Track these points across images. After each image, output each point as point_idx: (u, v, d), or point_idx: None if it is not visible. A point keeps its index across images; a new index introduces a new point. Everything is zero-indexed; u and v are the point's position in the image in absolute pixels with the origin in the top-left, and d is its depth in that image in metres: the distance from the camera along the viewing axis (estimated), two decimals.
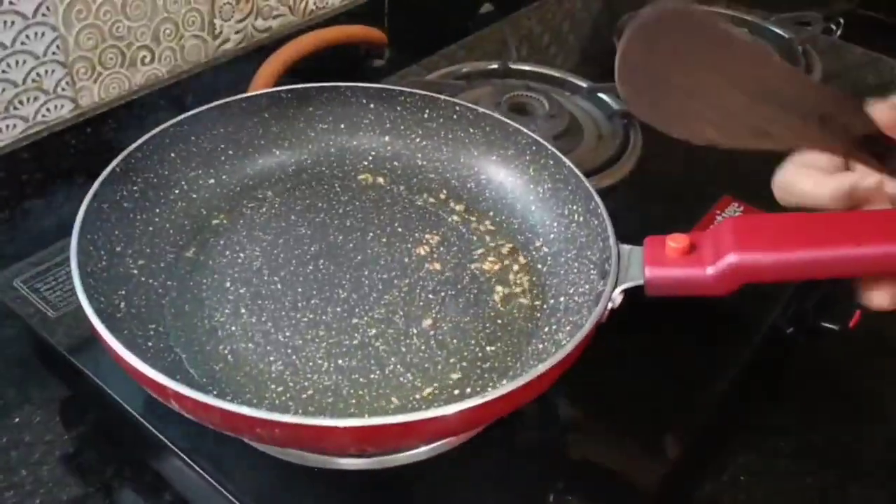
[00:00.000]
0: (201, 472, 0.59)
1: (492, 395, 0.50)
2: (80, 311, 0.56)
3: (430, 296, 0.68)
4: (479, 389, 0.61)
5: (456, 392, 0.61)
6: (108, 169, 0.66)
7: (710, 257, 0.56)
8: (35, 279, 0.72)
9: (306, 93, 0.78)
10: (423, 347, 0.63)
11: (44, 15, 0.76)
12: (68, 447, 0.65)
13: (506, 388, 0.50)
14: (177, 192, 0.71)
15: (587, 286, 0.63)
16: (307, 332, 0.64)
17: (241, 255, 0.70)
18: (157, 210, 0.69)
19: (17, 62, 0.77)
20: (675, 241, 0.58)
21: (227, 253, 0.70)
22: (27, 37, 0.76)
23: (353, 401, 0.60)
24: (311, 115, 0.79)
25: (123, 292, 0.61)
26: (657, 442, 0.64)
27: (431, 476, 0.61)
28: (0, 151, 0.78)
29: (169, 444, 0.60)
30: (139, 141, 0.69)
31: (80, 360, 0.65)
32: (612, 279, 0.58)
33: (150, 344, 0.61)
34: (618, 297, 0.58)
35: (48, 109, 0.80)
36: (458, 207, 0.77)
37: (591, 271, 0.64)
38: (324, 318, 0.65)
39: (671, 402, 0.67)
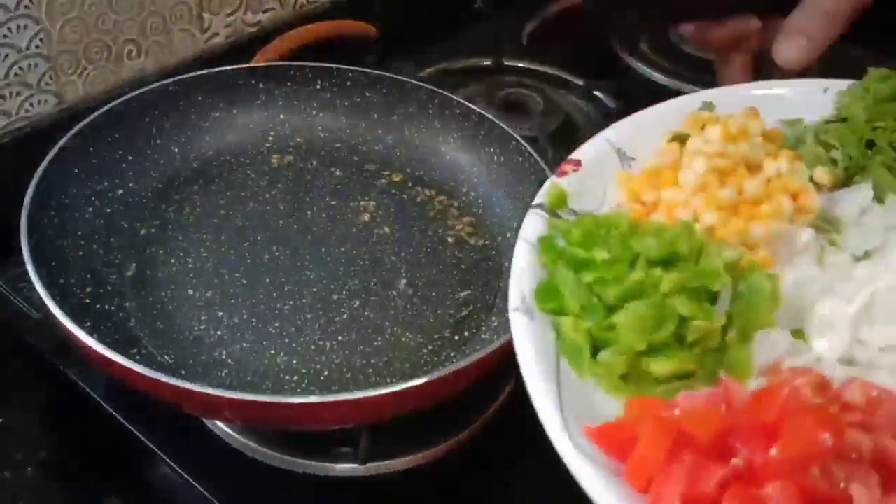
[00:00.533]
0: (190, 479, 0.59)
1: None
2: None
3: (393, 257, 0.70)
4: (475, 331, 0.65)
5: (457, 338, 0.65)
6: (26, 202, 0.63)
7: None
8: (17, 280, 0.71)
9: (193, 82, 0.76)
10: (408, 306, 0.67)
11: (27, 7, 0.74)
12: (50, 453, 0.64)
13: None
14: (90, 209, 0.68)
15: None
16: (295, 318, 0.64)
17: (189, 259, 0.68)
18: (79, 233, 0.66)
19: None
20: None
21: (173, 261, 0.68)
22: (9, 30, 0.75)
23: (370, 370, 0.62)
24: (201, 105, 0.78)
25: (89, 324, 0.59)
26: None
27: (426, 483, 0.61)
28: None
29: (156, 450, 0.60)
30: (43, 164, 0.66)
31: (62, 364, 0.65)
32: None
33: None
34: None
35: (31, 104, 0.79)
36: (374, 169, 0.79)
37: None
38: (304, 301, 0.66)
39: None
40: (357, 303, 0.66)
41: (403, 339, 0.64)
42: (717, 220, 0.47)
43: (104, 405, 0.62)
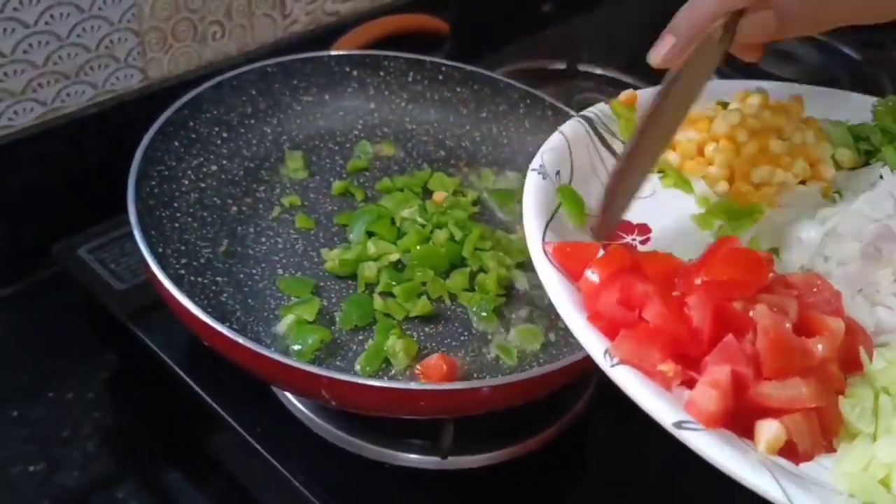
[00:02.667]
0: (264, 452, 0.58)
1: None
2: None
3: None
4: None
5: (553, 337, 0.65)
6: (133, 168, 0.63)
7: None
8: (100, 250, 0.71)
9: (291, 65, 0.78)
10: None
11: None
12: (116, 424, 0.64)
13: None
14: (186, 183, 0.69)
15: None
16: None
17: (279, 240, 0.68)
18: (175, 205, 0.67)
19: (91, 27, 0.76)
20: None
21: (263, 240, 0.68)
22: (104, 2, 0.75)
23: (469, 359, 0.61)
24: (295, 88, 0.78)
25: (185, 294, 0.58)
26: None
27: (501, 480, 0.60)
28: (67, 117, 0.76)
29: (229, 419, 0.59)
30: (150, 133, 0.66)
31: (142, 331, 0.65)
32: None
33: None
34: None
35: (117, 78, 0.79)
36: (459, 164, 0.78)
37: None
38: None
39: None
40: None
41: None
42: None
43: (180, 373, 0.62)
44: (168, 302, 0.55)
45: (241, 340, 0.51)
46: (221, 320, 0.58)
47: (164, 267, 0.57)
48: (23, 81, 0.72)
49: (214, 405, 0.60)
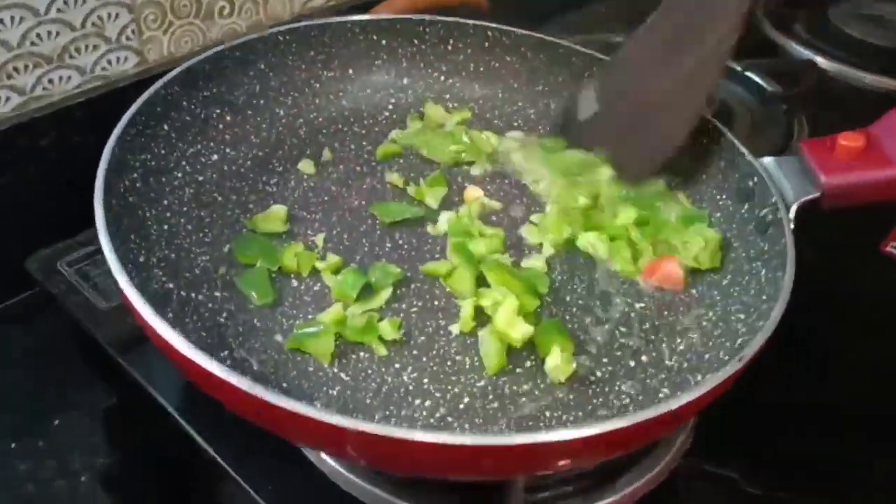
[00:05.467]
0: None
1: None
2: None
3: None
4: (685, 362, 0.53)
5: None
6: (104, 158, 0.51)
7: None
8: (83, 261, 0.61)
9: (306, 32, 0.65)
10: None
11: None
12: (111, 460, 0.56)
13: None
14: (179, 175, 0.58)
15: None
16: (425, 322, 0.53)
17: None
18: (165, 202, 0.55)
19: (74, 1, 0.66)
20: (850, 140, 0.54)
21: None
22: None
23: (524, 398, 0.49)
24: (313, 61, 0.66)
25: (171, 314, 0.49)
26: None
27: None
28: (49, 108, 0.67)
29: (232, 472, 0.51)
30: (127, 114, 0.54)
31: (129, 362, 0.56)
32: (776, 195, 0.55)
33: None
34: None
35: (108, 62, 0.70)
36: None
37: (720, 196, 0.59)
38: (437, 302, 0.54)
39: None
40: None
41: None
42: None
43: (174, 413, 0.53)
44: (140, 324, 0.43)
45: (234, 381, 0.39)
46: (219, 347, 0.47)
47: (146, 281, 0.46)
48: None
49: (217, 456, 0.50)
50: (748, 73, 0.85)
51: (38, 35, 0.64)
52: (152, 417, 0.55)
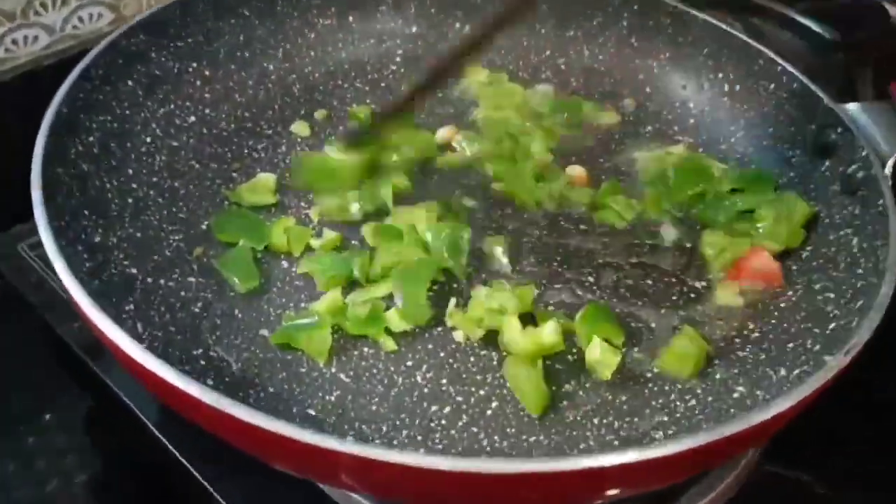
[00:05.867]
0: None
1: None
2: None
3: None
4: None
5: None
6: (46, 121, 0.44)
7: None
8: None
9: None
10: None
11: None
12: (92, 465, 0.50)
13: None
14: (148, 140, 0.50)
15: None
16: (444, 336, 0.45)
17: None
18: (130, 171, 0.48)
19: None
20: None
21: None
22: None
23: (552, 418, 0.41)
24: (306, 6, 0.59)
25: (131, 307, 0.42)
26: None
27: None
28: (13, 72, 0.63)
29: (219, 497, 0.44)
30: (82, 63, 0.47)
31: (99, 366, 0.49)
32: (866, 148, 0.46)
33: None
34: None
35: (80, 19, 0.65)
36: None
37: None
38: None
39: None
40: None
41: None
42: None
43: (150, 426, 0.46)
44: (88, 326, 0.35)
45: (194, 392, 0.31)
46: (192, 344, 0.39)
47: (102, 265, 0.38)
48: None
49: (197, 475, 0.43)
50: (800, 18, 0.77)
51: None
52: (128, 427, 0.49)
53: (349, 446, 0.30)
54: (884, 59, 0.76)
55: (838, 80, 0.77)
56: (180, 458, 0.46)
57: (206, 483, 0.45)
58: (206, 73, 0.54)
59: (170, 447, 0.46)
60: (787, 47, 0.79)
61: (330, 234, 0.47)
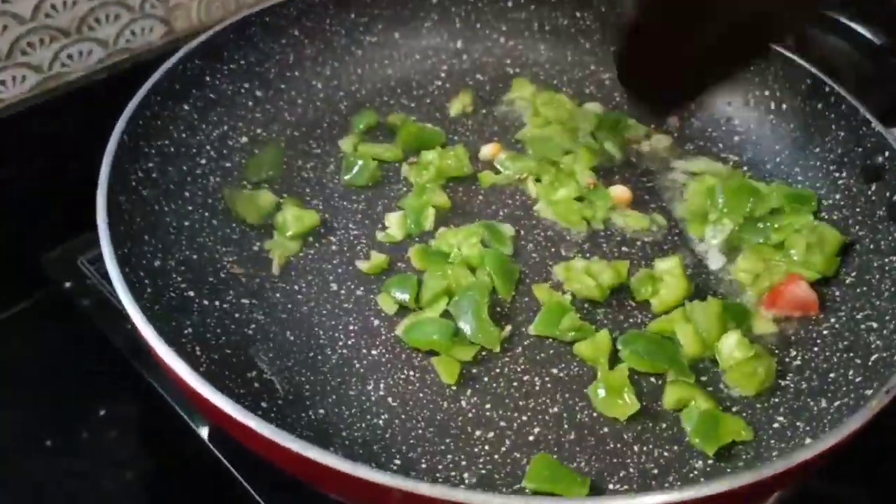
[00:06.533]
0: None
1: None
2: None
3: None
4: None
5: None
6: (111, 146, 0.45)
7: None
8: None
9: None
10: None
11: None
12: (145, 472, 0.51)
13: None
14: (203, 161, 0.52)
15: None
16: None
17: (332, 238, 0.50)
18: (186, 194, 0.49)
19: None
20: None
21: (312, 240, 0.50)
22: None
23: (584, 445, 0.42)
24: (353, 25, 0.59)
25: (190, 331, 0.43)
26: None
27: None
28: (71, 85, 0.63)
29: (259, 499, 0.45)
30: (141, 91, 0.49)
31: (149, 372, 0.50)
32: None
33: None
34: None
35: (133, 32, 0.65)
36: None
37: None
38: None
39: None
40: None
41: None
42: None
43: (202, 437, 0.47)
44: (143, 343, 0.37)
45: (260, 429, 0.32)
46: (246, 368, 0.40)
47: (162, 290, 0.39)
48: (7, 41, 0.59)
49: (246, 484, 0.44)
50: (852, 24, 0.76)
51: (54, 6, 0.60)
52: (177, 431, 0.50)
53: (398, 481, 0.31)
54: None
55: (891, 87, 0.75)
56: (228, 465, 0.46)
57: (252, 492, 0.45)
58: (258, 93, 0.55)
59: (218, 455, 0.47)
60: (836, 54, 0.78)
61: (378, 257, 0.48)
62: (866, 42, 0.76)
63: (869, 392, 0.36)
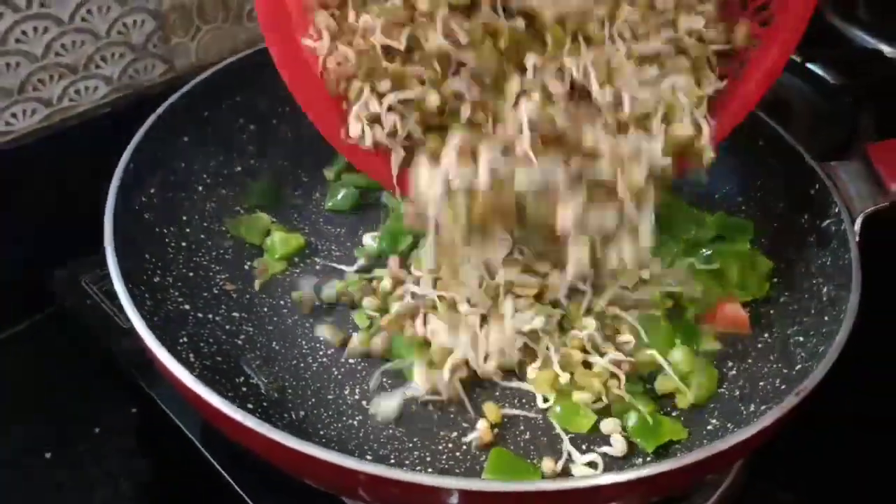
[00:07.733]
0: None
1: None
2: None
3: None
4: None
5: None
6: (117, 174, 0.49)
7: None
8: (107, 279, 0.58)
9: None
10: None
11: None
12: (143, 484, 0.54)
13: None
14: (201, 189, 0.55)
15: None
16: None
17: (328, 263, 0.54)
18: (185, 218, 0.53)
19: (99, 9, 0.64)
20: None
21: (307, 263, 0.54)
22: None
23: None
24: None
25: (185, 340, 0.47)
26: None
27: None
28: (78, 118, 0.66)
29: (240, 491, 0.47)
30: (145, 126, 0.52)
31: (149, 384, 0.52)
32: (839, 205, 0.50)
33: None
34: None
35: (135, 70, 0.68)
36: None
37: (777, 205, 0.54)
38: None
39: None
40: None
41: None
42: None
43: (195, 441, 0.50)
44: (145, 352, 0.41)
45: (251, 424, 0.36)
46: (235, 374, 0.44)
47: (160, 303, 0.43)
48: (19, 77, 0.62)
49: (238, 489, 0.47)
50: (808, 65, 0.80)
51: (63, 45, 0.63)
52: (173, 439, 0.53)
53: (365, 466, 0.35)
54: (887, 102, 0.79)
55: (848, 124, 0.79)
56: (221, 470, 0.49)
57: (244, 495, 0.48)
58: (251, 127, 0.58)
59: (212, 460, 0.49)
60: (793, 92, 0.82)
61: (352, 277, 0.52)
62: (822, 81, 0.80)
63: (787, 398, 0.40)
